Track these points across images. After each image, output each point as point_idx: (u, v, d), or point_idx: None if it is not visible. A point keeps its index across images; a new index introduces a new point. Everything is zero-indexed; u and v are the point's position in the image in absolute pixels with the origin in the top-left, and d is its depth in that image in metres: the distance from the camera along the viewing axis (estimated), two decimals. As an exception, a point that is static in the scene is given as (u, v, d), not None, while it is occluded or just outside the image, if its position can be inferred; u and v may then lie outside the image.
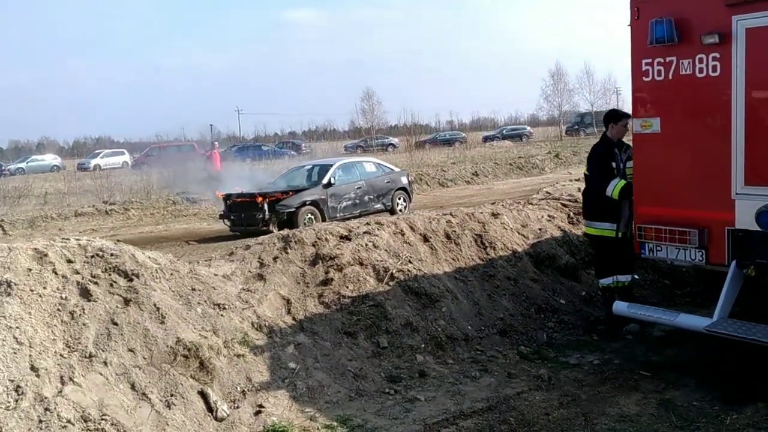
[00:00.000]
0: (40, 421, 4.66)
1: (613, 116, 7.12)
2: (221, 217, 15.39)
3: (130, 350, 5.49)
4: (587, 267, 8.30)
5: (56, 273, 5.87)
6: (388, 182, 16.82)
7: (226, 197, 15.44)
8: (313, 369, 5.98)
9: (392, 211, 16.65)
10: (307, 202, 14.78)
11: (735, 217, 5.71)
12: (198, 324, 5.98)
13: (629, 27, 6.31)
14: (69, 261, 6.11)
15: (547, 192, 10.47)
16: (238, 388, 5.61)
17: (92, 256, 6.26)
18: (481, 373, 6.16)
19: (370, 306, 6.76)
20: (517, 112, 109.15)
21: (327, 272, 7.04)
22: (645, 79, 6.20)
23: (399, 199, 17.00)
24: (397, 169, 18.25)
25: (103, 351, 5.38)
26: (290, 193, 14.93)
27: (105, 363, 5.30)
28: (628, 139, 7.19)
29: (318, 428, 5.22)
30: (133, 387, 5.25)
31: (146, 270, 6.25)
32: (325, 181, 15.30)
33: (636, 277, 7.66)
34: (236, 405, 5.46)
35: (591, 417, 5.21)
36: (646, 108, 6.28)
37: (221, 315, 6.20)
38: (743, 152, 5.60)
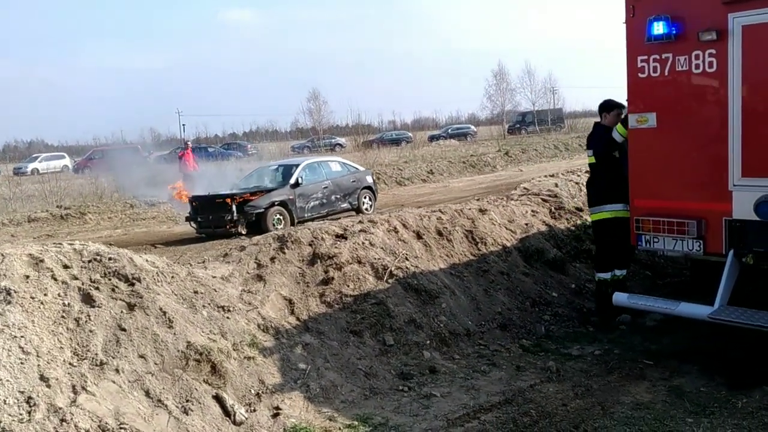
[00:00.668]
0: (58, 433, 4.50)
1: (606, 106, 7.28)
2: (188, 219, 15.06)
3: (141, 356, 5.34)
4: (574, 260, 8.47)
5: (56, 279, 5.67)
6: (354, 181, 16.77)
7: (192, 199, 15.13)
8: (323, 369, 5.93)
9: (358, 210, 16.60)
10: (276, 203, 14.60)
11: (732, 208, 5.90)
12: (206, 327, 5.86)
13: (624, 24, 6.45)
14: (66, 266, 5.91)
15: (524, 188, 10.61)
16: (252, 391, 5.52)
17: (89, 261, 6.06)
18: (489, 368, 6.22)
19: (373, 304, 6.74)
20: (458, 112, 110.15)
21: (326, 271, 6.99)
22: (641, 75, 6.35)
23: (365, 198, 16.96)
24: (361, 169, 18.22)
25: (113, 358, 5.22)
26: (258, 193, 14.73)
27: (117, 370, 5.14)
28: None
29: (339, 428, 5.17)
30: (147, 394, 5.11)
31: (147, 274, 6.09)
32: (292, 181, 15.14)
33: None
34: (252, 408, 5.37)
35: (607, 406, 5.31)
36: (642, 103, 6.42)
37: (227, 317, 6.08)
38: (740, 145, 5.79)
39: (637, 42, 6.31)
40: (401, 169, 27.90)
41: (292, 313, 6.54)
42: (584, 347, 6.70)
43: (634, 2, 6.33)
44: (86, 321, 5.40)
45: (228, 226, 14.27)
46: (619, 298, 6.51)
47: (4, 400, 4.61)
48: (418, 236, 7.87)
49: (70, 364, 5.06)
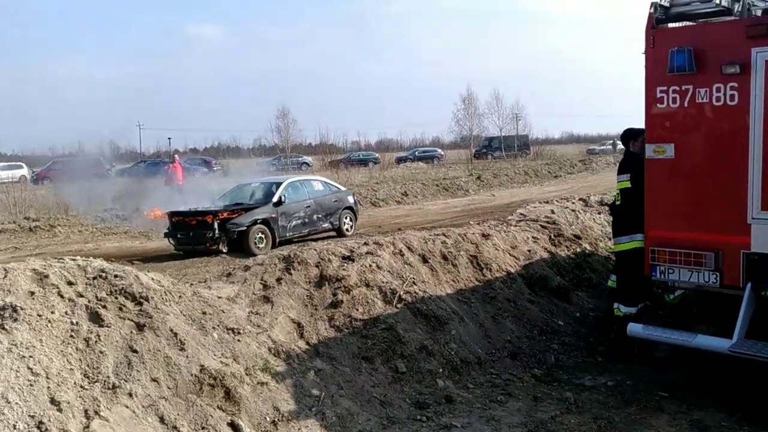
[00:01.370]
0: (76, 461, 4.23)
1: (632, 134, 7.21)
2: (166, 235, 14.64)
3: (154, 380, 5.09)
4: (576, 288, 8.42)
5: (62, 296, 5.40)
6: (336, 201, 16.57)
7: (172, 215, 14.73)
8: (338, 396, 5.73)
9: (339, 231, 16.40)
10: (258, 221, 14.30)
11: (751, 241, 5.91)
12: (217, 350, 5.63)
13: (644, 55, 6.47)
14: (70, 283, 5.63)
15: (521, 214, 10.59)
16: (268, 419, 5.30)
17: (94, 278, 5.80)
18: (505, 397, 6.09)
19: (383, 329, 6.58)
20: (423, 135, 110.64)
21: (335, 294, 6.81)
22: (659, 105, 6.36)
23: (346, 218, 16.76)
24: (343, 188, 18.04)
25: (126, 381, 4.97)
26: (240, 211, 14.43)
27: (130, 394, 4.89)
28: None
29: (362, 459, 4.99)
30: (162, 420, 4.87)
31: (155, 293, 5.85)
32: (275, 199, 14.86)
33: None
34: (270, 437, 5.15)
35: (633, 440, 5.22)
36: (660, 134, 6.43)
37: (238, 340, 5.86)
38: (761, 178, 5.82)
39: (657, 72, 6.33)
40: (375, 190, 27.79)
41: (302, 336, 6.34)
42: (596, 378, 6.62)
43: (654, 33, 6.35)
44: (96, 341, 5.13)
45: (208, 244, 13.93)
46: (635, 329, 6.46)
47: (14, 425, 4.33)
48: (424, 260, 7.74)
49: (81, 387, 4.79)
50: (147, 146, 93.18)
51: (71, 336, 5.10)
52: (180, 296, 6.05)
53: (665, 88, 6.30)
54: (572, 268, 8.65)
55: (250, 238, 14.05)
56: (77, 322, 5.22)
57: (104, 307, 5.47)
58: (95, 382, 4.87)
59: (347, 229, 16.68)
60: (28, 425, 4.37)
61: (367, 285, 7.00)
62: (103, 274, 5.85)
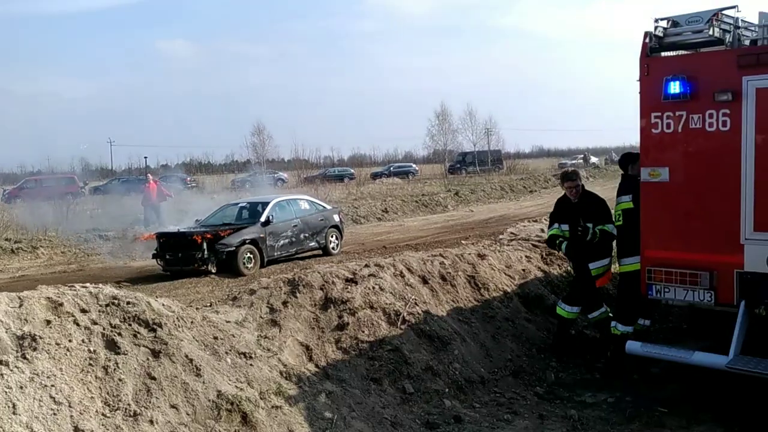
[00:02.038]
0: (108, 490, 4.28)
1: (630, 158, 7.41)
2: (154, 256, 14.63)
3: (173, 406, 5.16)
4: (570, 306, 8.61)
5: (78, 324, 5.45)
6: (322, 220, 16.70)
7: (160, 236, 14.73)
8: (350, 418, 5.83)
9: (325, 250, 16.52)
10: (247, 241, 14.38)
11: (744, 261, 6.16)
12: (232, 375, 5.71)
13: (638, 82, 6.71)
14: (83, 311, 5.68)
15: (512, 233, 10.80)
16: (284, 442, 5.38)
17: (107, 305, 5.85)
18: (512, 416, 6.24)
19: (389, 350, 6.70)
20: (396, 150, 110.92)
21: (341, 317, 6.93)
22: (654, 131, 6.60)
23: (332, 237, 16.89)
24: (329, 207, 18.16)
25: (146, 408, 5.03)
26: (228, 231, 14.48)
27: (151, 421, 4.95)
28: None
29: (380, 481, 5.09)
30: (183, 446, 4.93)
31: (167, 319, 5.91)
32: (263, 219, 14.94)
33: None
34: (287, 460, 5.23)
35: (639, 456, 5.39)
36: (654, 158, 6.66)
37: (250, 365, 5.94)
38: (753, 200, 6.07)
39: (651, 99, 6.57)
40: (356, 207, 27.96)
41: (311, 359, 6.44)
42: (596, 394, 6.80)
43: (648, 61, 6.60)
44: (114, 369, 5.19)
45: (197, 265, 13.95)
46: (633, 347, 6.66)
47: (41, 455, 4.37)
48: (424, 281, 7.89)
49: (103, 414, 4.85)
50: (119, 163, 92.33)
51: (90, 364, 5.15)
52: (192, 322, 6.12)
53: (659, 114, 6.55)
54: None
55: (239, 258, 14.11)
56: (95, 350, 5.27)
57: (119, 334, 5.52)
58: (116, 409, 4.93)
59: (333, 248, 16.80)
60: (54, 455, 4.41)
61: (372, 307, 7.13)
62: (116, 301, 5.90)
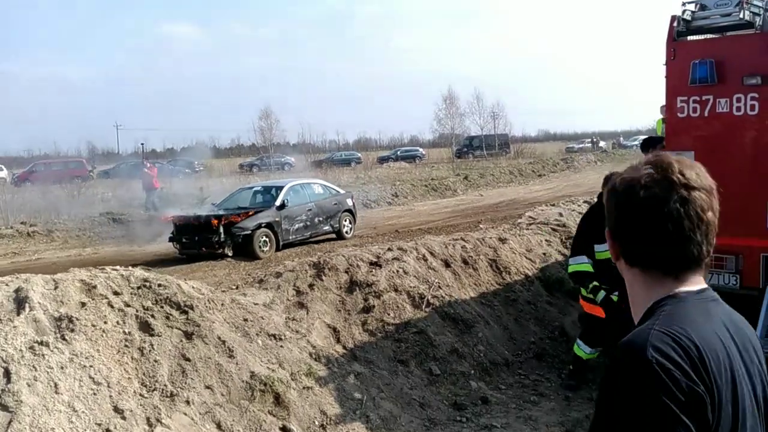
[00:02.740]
0: (149, 467, 4.37)
1: (653, 142, 7.51)
2: (171, 240, 14.70)
3: (208, 387, 5.24)
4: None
5: (112, 306, 5.52)
6: (336, 204, 16.71)
7: (177, 219, 14.80)
8: (378, 399, 5.91)
9: (339, 233, 16.56)
10: (263, 224, 14.41)
11: (771, 245, 6.19)
12: (263, 357, 5.78)
13: (665, 66, 6.71)
14: (116, 293, 5.76)
15: (530, 217, 10.82)
16: (316, 422, 5.47)
17: (138, 287, 5.92)
18: (538, 398, 6.31)
19: (414, 333, 6.77)
20: (402, 134, 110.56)
21: (366, 299, 6.99)
22: (680, 115, 6.61)
23: (345, 221, 16.91)
24: (342, 191, 18.17)
25: (182, 389, 5.11)
26: (244, 215, 14.52)
27: (187, 402, 5.03)
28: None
29: (412, 460, 5.17)
30: (219, 426, 5.02)
31: (198, 301, 5.99)
32: (278, 202, 14.97)
33: None
34: (320, 440, 5.32)
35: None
36: (680, 142, 6.66)
37: (281, 346, 6.02)
38: (780, 184, 6.09)
39: (677, 83, 6.57)
40: (366, 192, 27.95)
41: (338, 341, 6.51)
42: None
43: (675, 45, 6.59)
44: (150, 350, 5.27)
45: (214, 248, 14.01)
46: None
47: (83, 433, 4.45)
48: (446, 264, 7.94)
49: (141, 395, 4.93)
50: (125, 146, 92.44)
51: (125, 345, 5.23)
52: (222, 304, 6.19)
53: (685, 98, 6.54)
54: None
55: (255, 241, 14.15)
56: (129, 332, 5.35)
57: (152, 316, 5.60)
58: (153, 390, 5.01)
59: (347, 232, 16.84)
60: (95, 433, 4.50)
61: (396, 290, 7.19)
62: (147, 284, 5.98)
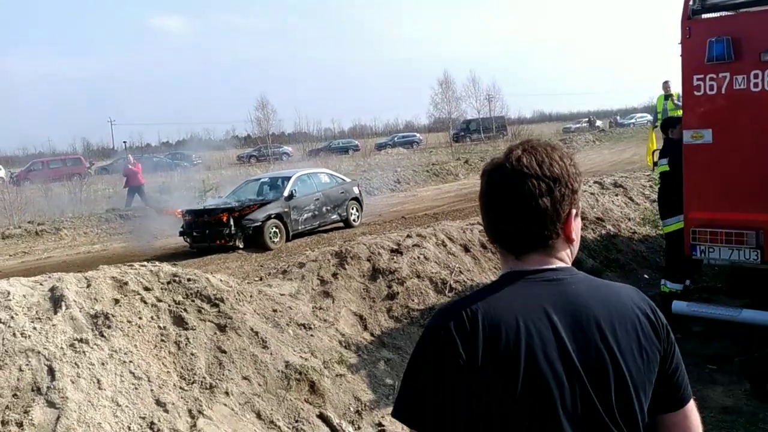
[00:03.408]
0: (196, 458, 4.44)
1: (672, 122, 7.55)
2: (181, 234, 14.74)
3: (245, 378, 5.31)
4: (607, 269, 8.73)
5: (145, 302, 5.58)
6: (342, 193, 16.75)
7: (186, 213, 14.83)
8: (410, 384, 5.97)
9: (347, 222, 16.61)
10: (272, 216, 14.46)
11: (791, 219, 6.25)
12: (296, 346, 5.85)
13: (680, 45, 6.74)
14: (147, 288, 5.81)
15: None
16: (352, 408, 5.54)
17: (168, 282, 5.98)
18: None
19: (439, 318, 6.83)
20: (397, 119, 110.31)
21: (390, 286, 7.05)
22: (696, 93, 6.65)
23: (353, 209, 16.96)
24: (348, 180, 18.20)
25: (220, 381, 5.18)
26: (253, 206, 14.56)
27: (226, 393, 5.11)
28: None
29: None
30: (259, 416, 5.09)
31: (228, 294, 6.05)
32: (286, 193, 15.01)
33: None
34: (357, 426, 5.40)
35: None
36: (697, 120, 6.72)
37: (311, 335, 6.08)
38: (799, 159, 6.15)
39: (693, 61, 6.60)
40: (369, 179, 27.97)
41: (366, 328, 6.58)
42: (644, 354, 6.92)
43: (690, 24, 6.62)
44: (186, 344, 5.33)
45: (225, 241, 14.06)
46: (678, 306, 6.78)
47: (129, 426, 4.53)
48: (466, 249, 8.00)
49: (180, 388, 5.00)
50: (120, 142, 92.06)
51: (162, 340, 5.30)
52: (251, 296, 6.25)
53: (702, 76, 6.58)
54: (601, 250, 8.97)
55: (266, 232, 14.19)
56: (164, 327, 5.41)
57: (185, 310, 5.66)
58: (192, 383, 5.08)
59: (354, 220, 16.88)
60: (141, 426, 4.57)
61: (418, 276, 7.25)
62: (176, 278, 6.04)
